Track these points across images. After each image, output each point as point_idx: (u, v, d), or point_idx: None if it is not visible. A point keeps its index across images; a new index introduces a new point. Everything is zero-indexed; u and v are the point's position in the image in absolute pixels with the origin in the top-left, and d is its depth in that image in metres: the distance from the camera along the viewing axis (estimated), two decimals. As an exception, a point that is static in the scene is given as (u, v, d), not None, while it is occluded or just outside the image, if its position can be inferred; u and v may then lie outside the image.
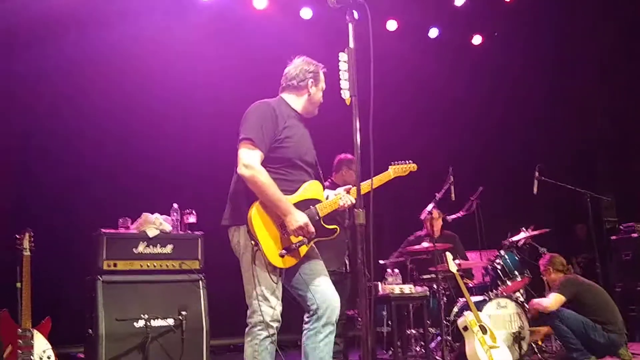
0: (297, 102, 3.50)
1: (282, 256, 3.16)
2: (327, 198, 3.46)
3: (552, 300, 5.32)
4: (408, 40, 8.75)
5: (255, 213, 3.14)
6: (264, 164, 3.21)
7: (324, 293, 3.35)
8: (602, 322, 5.28)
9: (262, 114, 3.28)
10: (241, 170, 3.14)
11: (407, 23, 8.67)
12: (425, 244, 6.17)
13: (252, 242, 3.13)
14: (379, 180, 3.58)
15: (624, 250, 7.45)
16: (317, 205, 3.35)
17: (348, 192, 3.53)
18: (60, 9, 6.59)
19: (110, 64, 7.04)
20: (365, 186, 3.13)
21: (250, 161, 3.13)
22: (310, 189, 3.38)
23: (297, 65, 3.51)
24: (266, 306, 3.18)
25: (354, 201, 3.36)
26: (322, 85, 3.55)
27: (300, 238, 3.18)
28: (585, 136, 9.36)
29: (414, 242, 6.50)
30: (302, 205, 3.28)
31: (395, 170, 3.95)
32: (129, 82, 7.17)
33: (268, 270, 3.18)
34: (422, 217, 6.47)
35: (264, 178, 3.13)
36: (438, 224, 6.61)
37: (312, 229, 3.20)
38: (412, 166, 4.06)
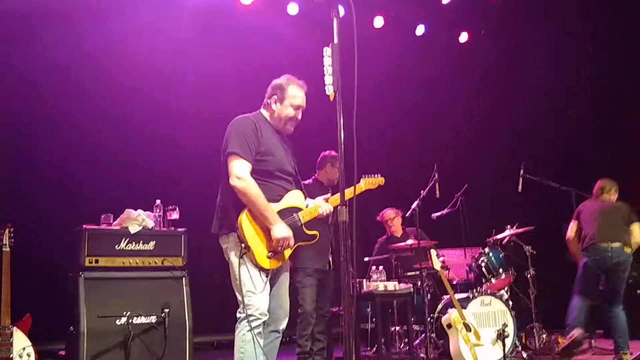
0: (271, 117, 3.65)
1: (269, 258, 3.40)
2: (307, 206, 3.67)
3: None
4: (395, 37, 8.74)
5: (245, 219, 3.37)
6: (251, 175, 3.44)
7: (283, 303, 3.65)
8: None
9: (245, 128, 3.49)
10: (234, 181, 3.35)
11: (394, 20, 8.67)
12: (410, 241, 6.18)
13: (242, 244, 3.37)
14: (350, 192, 3.62)
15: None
16: (299, 213, 3.57)
17: (327, 200, 3.77)
18: (51, 4, 6.52)
19: (94, 61, 6.98)
20: (348, 192, 3.16)
21: (242, 173, 3.37)
22: (293, 197, 3.60)
23: (273, 82, 3.68)
24: (255, 300, 3.37)
25: (331, 210, 3.67)
26: (292, 101, 3.60)
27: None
28: (570, 134, 9.40)
29: (382, 250, 6.53)
30: (286, 212, 3.51)
31: (366, 183, 4.21)
32: (113, 80, 7.11)
33: (257, 269, 3.40)
34: (378, 218, 6.52)
35: (254, 189, 3.36)
36: (397, 223, 6.66)
37: (292, 241, 3.44)
38: (380, 180, 4.30)
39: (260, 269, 3.39)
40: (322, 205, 3.68)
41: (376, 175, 4.26)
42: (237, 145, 3.41)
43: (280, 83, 3.63)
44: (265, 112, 3.68)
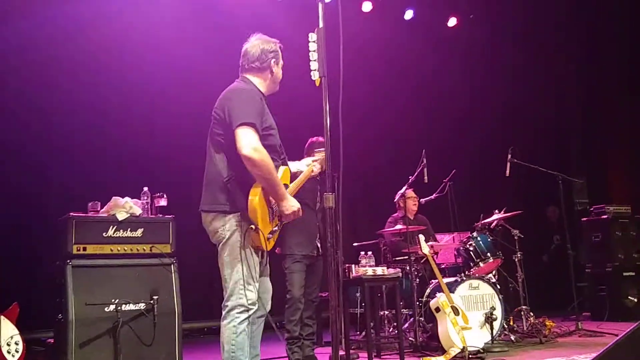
0: (261, 84, 3.48)
1: (268, 239, 3.25)
2: (298, 172, 3.67)
3: None
4: (383, 22, 8.71)
5: (259, 199, 3.17)
6: None
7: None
8: None
9: (255, 101, 3.31)
10: (249, 152, 3.12)
11: (382, 4, 8.63)
12: (398, 226, 6.20)
13: (252, 226, 3.16)
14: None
15: (594, 232, 7.57)
16: (287, 190, 3.42)
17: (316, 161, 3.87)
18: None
19: (78, 44, 6.91)
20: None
21: (258, 144, 3.16)
22: (283, 175, 3.45)
23: (256, 45, 3.48)
24: (248, 289, 3.22)
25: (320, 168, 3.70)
26: (282, 62, 3.54)
27: (277, 222, 3.31)
28: (557, 119, 9.45)
29: (393, 225, 6.52)
30: None
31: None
32: (98, 65, 7.06)
33: (254, 254, 3.25)
34: (396, 199, 6.49)
35: (269, 161, 3.18)
36: (410, 204, 6.62)
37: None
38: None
39: (256, 253, 3.26)
40: (315, 165, 3.83)
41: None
42: (249, 115, 3.20)
43: (272, 46, 3.49)
44: (254, 79, 3.47)
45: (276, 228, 3.32)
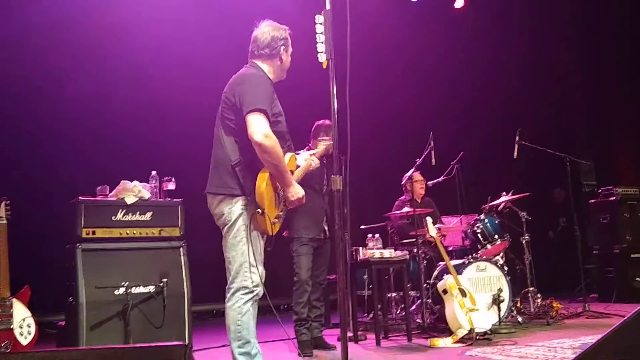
0: (270, 71, 3.51)
1: (273, 224, 3.31)
2: (298, 167, 3.72)
3: None
4: (389, 3, 8.64)
5: (266, 185, 3.23)
6: None
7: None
8: None
9: (267, 88, 3.35)
10: (260, 138, 3.15)
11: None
12: (405, 209, 6.21)
13: (259, 210, 3.20)
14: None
15: (601, 214, 7.55)
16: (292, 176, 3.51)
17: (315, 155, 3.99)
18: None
19: (85, 29, 6.91)
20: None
21: (269, 131, 3.19)
22: (289, 161, 3.50)
23: (266, 32, 3.50)
24: (253, 271, 3.26)
25: (318, 164, 3.81)
26: (291, 49, 3.57)
27: (282, 207, 3.39)
28: (565, 101, 9.40)
29: (401, 207, 6.53)
30: None
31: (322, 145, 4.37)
32: (105, 49, 7.06)
33: (260, 237, 3.32)
34: (403, 182, 6.49)
35: (279, 147, 3.23)
36: (418, 187, 6.63)
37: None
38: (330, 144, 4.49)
39: (262, 237, 3.33)
40: (314, 160, 3.93)
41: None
42: (260, 101, 3.23)
43: (282, 33, 3.50)
44: (264, 65, 3.49)
45: (282, 213, 3.40)
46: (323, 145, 4.29)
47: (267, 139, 3.16)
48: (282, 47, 3.49)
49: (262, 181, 3.21)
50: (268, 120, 3.21)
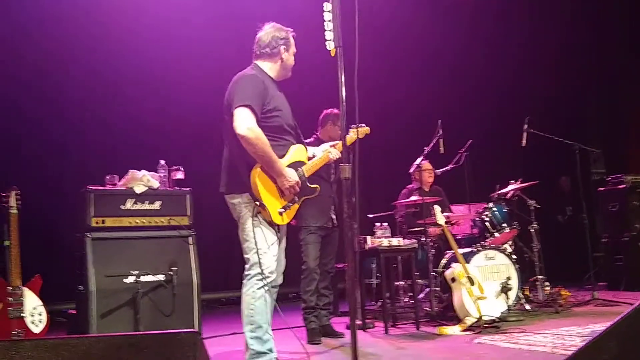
0: (272, 69, 3.70)
1: (280, 214, 3.47)
2: (313, 156, 3.85)
3: None
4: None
5: (258, 176, 3.40)
6: None
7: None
8: None
9: (255, 85, 3.49)
10: (244, 131, 3.33)
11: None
12: (414, 197, 6.20)
13: (257, 202, 3.41)
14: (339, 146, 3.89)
15: (610, 202, 7.52)
16: (302, 167, 3.65)
17: (334, 147, 3.99)
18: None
19: (94, 20, 6.92)
20: (348, 139, 3.57)
21: (252, 124, 3.36)
22: (297, 152, 3.65)
23: (268, 32, 3.69)
24: (265, 259, 3.43)
25: (339, 155, 3.82)
26: (293, 49, 3.75)
27: (294, 197, 3.53)
28: (573, 88, 9.32)
29: (408, 196, 6.52)
30: (292, 167, 3.57)
31: (354, 133, 4.10)
32: (114, 39, 7.07)
33: (269, 226, 3.48)
34: (411, 170, 6.48)
35: (264, 139, 3.37)
36: (426, 175, 6.62)
37: (299, 187, 3.53)
38: (366, 129, 4.55)
39: (273, 225, 3.48)
40: (332, 151, 3.98)
41: (362, 126, 4.38)
42: (247, 97, 3.41)
43: (282, 34, 3.69)
44: (264, 64, 3.69)
45: (290, 203, 3.50)
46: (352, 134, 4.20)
47: (250, 131, 3.33)
48: (283, 47, 3.67)
49: (255, 175, 3.39)
50: (254, 115, 3.38)
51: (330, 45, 2.74)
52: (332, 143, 4.11)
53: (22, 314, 4.27)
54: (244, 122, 3.34)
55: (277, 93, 3.63)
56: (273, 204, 3.44)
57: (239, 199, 3.50)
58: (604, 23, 8.94)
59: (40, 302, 4.42)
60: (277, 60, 3.68)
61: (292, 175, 3.49)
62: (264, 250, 3.43)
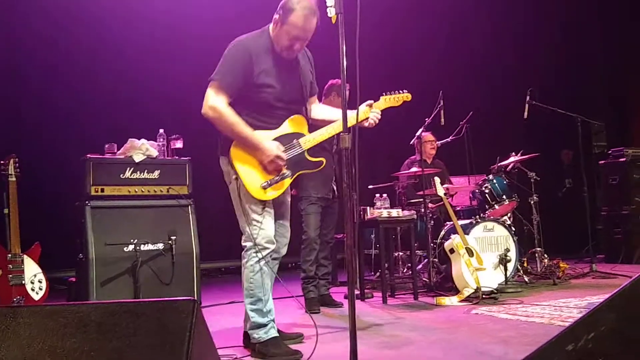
0: (274, 32, 3.33)
1: (264, 188, 3.26)
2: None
3: None
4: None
5: (235, 148, 3.26)
6: (242, 105, 3.28)
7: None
8: None
9: (235, 59, 3.28)
10: (206, 111, 3.22)
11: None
12: (414, 169, 6.19)
13: (234, 176, 3.28)
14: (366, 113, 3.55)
15: (611, 175, 7.51)
16: (300, 139, 3.39)
17: (371, 106, 3.57)
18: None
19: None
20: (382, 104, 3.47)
21: (215, 102, 3.20)
22: (292, 123, 3.41)
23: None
24: (258, 229, 3.29)
25: (379, 117, 3.54)
26: (291, 31, 3.23)
27: (285, 171, 3.30)
28: (576, 61, 9.24)
29: (409, 167, 6.51)
30: (284, 139, 3.35)
31: (386, 100, 3.72)
32: (114, 9, 6.98)
33: (253, 199, 3.28)
34: (412, 142, 6.45)
35: (228, 118, 3.21)
36: (428, 147, 6.59)
37: (282, 160, 3.27)
38: (405, 96, 3.80)
39: (256, 199, 3.27)
40: (372, 113, 3.52)
41: (402, 91, 3.77)
42: (220, 72, 3.25)
43: (295, 4, 3.19)
44: (271, 27, 3.35)
45: (278, 177, 3.28)
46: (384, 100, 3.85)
47: (211, 111, 3.20)
48: (276, 16, 3.27)
49: (232, 149, 3.25)
50: (222, 91, 3.21)
51: (331, 12, 2.68)
52: (368, 102, 3.56)
53: (22, 281, 4.29)
54: (208, 101, 3.21)
55: (271, 67, 3.29)
56: (253, 179, 3.24)
57: (224, 163, 3.37)
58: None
59: (39, 270, 4.45)
60: (276, 28, 3.28)
61: (271, 149, 3.23)
62: (255, 219, 3.27)
